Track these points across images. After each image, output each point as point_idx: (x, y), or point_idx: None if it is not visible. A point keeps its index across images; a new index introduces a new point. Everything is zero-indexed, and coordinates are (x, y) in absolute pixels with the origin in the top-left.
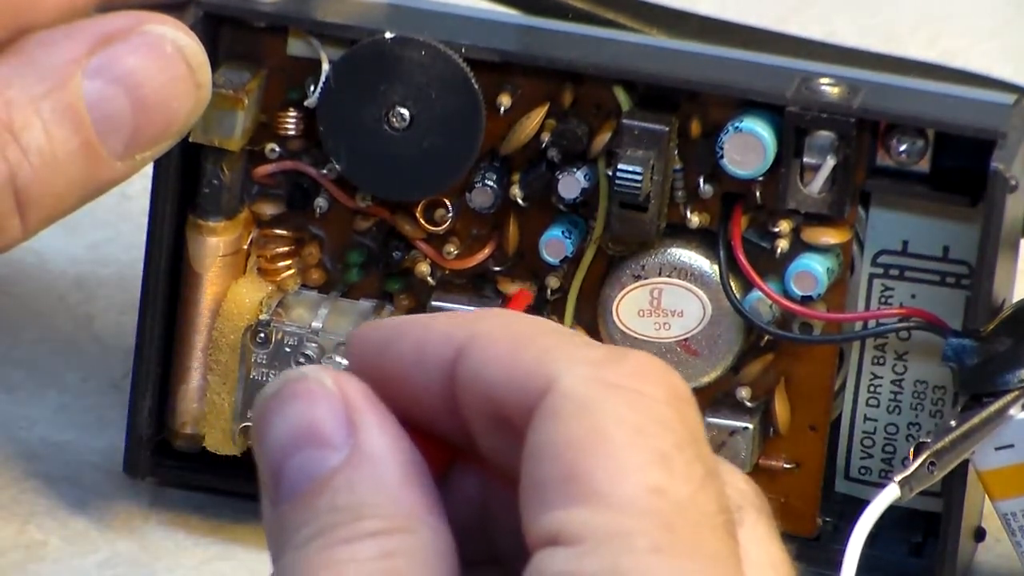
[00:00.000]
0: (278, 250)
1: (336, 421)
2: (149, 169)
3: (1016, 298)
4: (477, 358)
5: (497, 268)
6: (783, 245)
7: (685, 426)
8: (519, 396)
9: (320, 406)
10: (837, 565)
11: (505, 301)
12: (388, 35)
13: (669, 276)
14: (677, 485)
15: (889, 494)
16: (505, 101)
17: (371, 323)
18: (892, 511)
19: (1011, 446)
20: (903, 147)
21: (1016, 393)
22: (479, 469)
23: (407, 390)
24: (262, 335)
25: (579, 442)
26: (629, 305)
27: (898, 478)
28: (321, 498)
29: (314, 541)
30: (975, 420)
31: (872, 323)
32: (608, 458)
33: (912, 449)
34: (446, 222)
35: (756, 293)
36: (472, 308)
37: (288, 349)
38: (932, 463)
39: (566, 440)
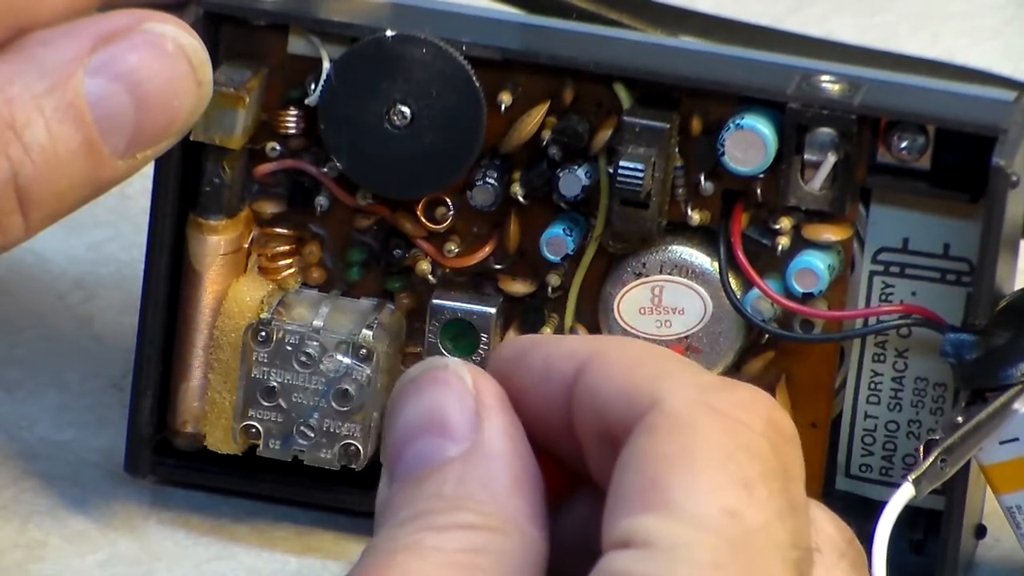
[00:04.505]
0: (279, 248)
1: (464, 415)
2: (149, 168)
3: None
4: (595, 374)
5: (498, 266)
6: (784, 242)
7: (777, 460)
8: (626, 412)
9: (452, 397)
10: None
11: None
12: (389, 33)
13: (670, 274)
14: (753, 512)
15: (904, 493)
16: (506, 99)
17: (511, 339)
18: None
19: (1016, 439)
20: (904, 144)
21: (1020, 387)
22: (596, 495)
23: (536, 405)
24: (263, 334)
25: (667, 457)
26: (630, 303)
27: (912, 476)
28: (429, 484)
29: (409, 524)
30: (982, 415)
31: (872, 320)
32: (690, 474)
33: (922, 447)
34: (447, 220)
35: (757, 291)
36: (476, 306)
37: (289, 348)
38: (943, 459)
39: (656, 454)
